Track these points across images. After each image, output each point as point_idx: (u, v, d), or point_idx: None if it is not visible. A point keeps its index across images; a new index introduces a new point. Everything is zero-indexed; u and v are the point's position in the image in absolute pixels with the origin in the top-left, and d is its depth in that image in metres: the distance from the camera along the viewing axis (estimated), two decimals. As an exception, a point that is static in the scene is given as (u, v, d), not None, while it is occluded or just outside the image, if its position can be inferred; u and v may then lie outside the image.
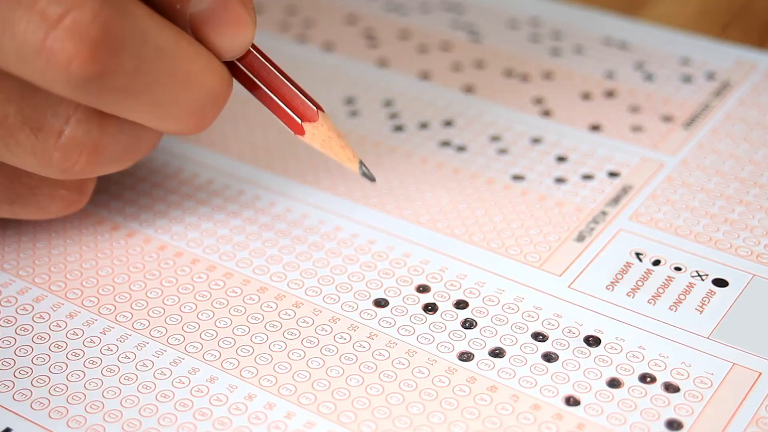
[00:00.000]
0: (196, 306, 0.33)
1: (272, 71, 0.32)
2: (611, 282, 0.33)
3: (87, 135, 0.30)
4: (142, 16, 0.28)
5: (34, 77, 0.27)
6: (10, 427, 0.29)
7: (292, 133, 0.32)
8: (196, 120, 0.30)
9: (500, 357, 0.31)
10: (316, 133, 0.32)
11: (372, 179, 0.33)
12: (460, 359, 0.31)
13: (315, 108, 0.32)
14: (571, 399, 0.30)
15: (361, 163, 0.33)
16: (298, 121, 0.32)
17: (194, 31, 0.30)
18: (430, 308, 0.32)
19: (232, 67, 0.32)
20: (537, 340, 0.31)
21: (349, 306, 0.32)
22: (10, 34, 0.26)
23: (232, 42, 0.30)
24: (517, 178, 0.38)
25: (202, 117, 0.30)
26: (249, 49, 0.32)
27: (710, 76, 0.43)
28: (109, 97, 0.28)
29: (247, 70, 0.32)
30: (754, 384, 0.30)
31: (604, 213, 0.36)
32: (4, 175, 0.32)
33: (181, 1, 0.29)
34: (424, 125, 0.40)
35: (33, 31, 0.26)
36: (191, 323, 0.32)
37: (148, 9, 0.28)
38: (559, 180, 0.37)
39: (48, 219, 0.34)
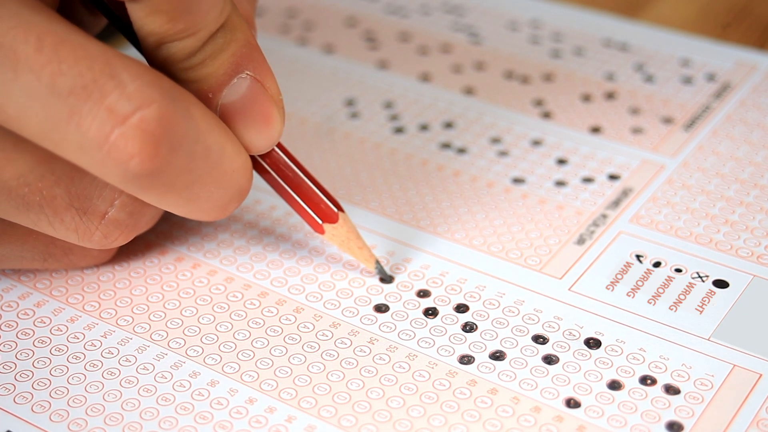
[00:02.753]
0: (197, 310, 0.33)
1: (295, 170, 0.32)
2: (611, 282, 0.33)
3: (129, 217, 0.31)
4: (198, 115, 0.28)
5: (92, 168, 0.27)
6: (11, 430, 0.29)
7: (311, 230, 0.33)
8: (220, 213, 0.30)
9: (501, 360, 0.31)
10: (335, 234, 0.33)
11: (389, 281, 0.33)
12: (461, 362, 0.31)
13: (336, 209, 0.32)
14: (572, 401, 0.30)
15: (378, 263, 0.33)
16: (319, 222, 0.32)
17: (223, 121, 0.30)
18: (430, 312, 0.32)
19: (254, 162, 0.32)
20: (537, 343, 0.31)
21: (350, 312, 0.33)
22: (76, 125, 0.26)
23: (258, 137, 0.30)
24: (518, 181, 0.38)
25: (226, 210, 0.30)
26: (274, 147, 0.32)
27: (710, 77, 0.43)
28: (154, 191, 0.28)
29: (271, 169, 0.32)
30: (754, 385, 0.30)
31: (604, 216, 0.36)
32: (40, 240, 0.32)
33: (213, 90, 0.30)
34: (424, 127, 0.40)
35: (99, 125, 0.26)
36: (192, 327, 0.32)
37: (203, 107, 0.29)
38: (560, 183, 0.37)
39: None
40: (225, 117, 0.30)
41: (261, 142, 0.31)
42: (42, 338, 0.32)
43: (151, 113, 0.27)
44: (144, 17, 0.28)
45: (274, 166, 0.32)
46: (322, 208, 0.32)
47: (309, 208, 0.32)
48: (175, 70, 0.29)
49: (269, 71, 0.30)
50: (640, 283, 0.33)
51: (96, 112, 0.26)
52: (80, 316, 0.33)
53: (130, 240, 0.32)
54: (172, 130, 0.27)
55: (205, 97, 0.30)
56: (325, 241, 0.35)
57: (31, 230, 0.32)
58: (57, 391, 0.30)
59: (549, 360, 0.31)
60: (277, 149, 0.32)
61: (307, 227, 0.35)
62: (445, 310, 0.32)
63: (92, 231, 0.31)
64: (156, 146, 0.27)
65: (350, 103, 0.42)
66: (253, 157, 0.31)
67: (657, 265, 0.34)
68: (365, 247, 0.33)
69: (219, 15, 0.29)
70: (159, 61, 0.29)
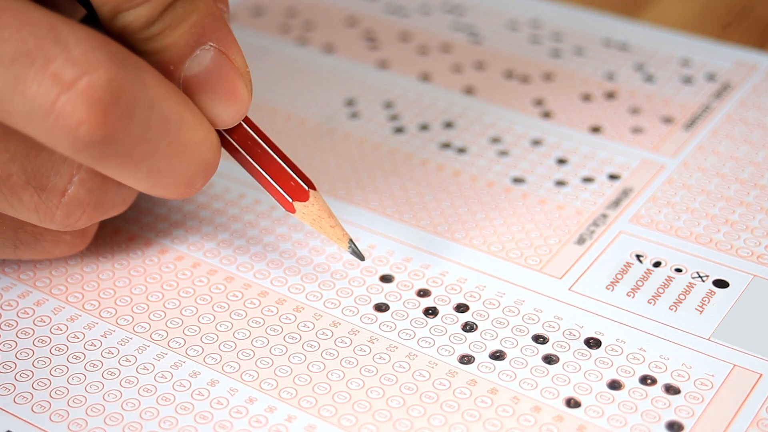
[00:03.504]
0: (197, 310, 0.33)
1: (264, 147, 0.31)
2: (611, 282, 0.33)
3: (89, 194, 0.30)
4: (153, 83, 0.28)
5: (41, 137, 0.27)
6: (11, 430, 0.29)
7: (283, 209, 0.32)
8: (185, 189, 0.29)
9: (501, 359, 0.31)
10: (306, 212, 0.32)
11: (361, 259, 0.33)
12: (461, 362, 0.31)
13: (306, 187, 0.32)
14: (572, 401, 0.30)
15: (351, 242, 0.32)
16: (289, 199, 0.32)
17: (187, 95, 0.29)
18: (430, 312, 0.32)
19: (222, 138, 0.31)
20: (537, 343, 0.31)
21: (350, 311, 0.33)
22: (21, 93, 0.26)
23: (224, 111, 0.30)
24: (518, 180, 0.38)
25: (192, 187, 0.30)
26: (241, 123, 0.31)
27: (710, 77, 0.43)
28: (110, 162, 0.28)
29: (239, 145, 0.31)
30: (754, 385, 0.30)
31: (604, 216, 0.36)
32: (8, 225, 0.32)
33: (174, 62, 0.29)
34: (424, 127, 0.40)
35: (45, 92, 0.26)
36: (192, 326, 0.32)
37: (158, 75, 0.28)
38: (560, 183, 0.37)
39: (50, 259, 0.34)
40: (188, 90, 0.29)
41: (227, 116, 0.30)
42: (42, 337, 0.32)
43: (98, 78, 0.26)
44: None
45: (242, 143, 0.31)
46: (292, 185, 0.31)
47: (278, 185, 0.31)
48: (134, 42, 0.28)
49: (234, 43, 0.30)
50: (640, 283, 0.33)
51: (41, 78, 0.26)
52: (80, 315, 0.33)
53: (96, 221, 0.31)
54: (123, 95, 0.27)
55: (167, 70, 0.29)
56: (325, 241, 0.35)
57: None
58: (57, 391, 0.30)
59: (549, 360, 0.31)
60: (245, 125, 0.31)
61: (306, 226, 0.35)
62: (445, 309, 0.32)
63: (53, 210, 0.30)
64: (105, 112, 0.26)
65: (350, 103, 0.42)
66: (220, 134, 0.31)
67: (657, 265, 0.34)
68: (338, 225, 0.32)
69: None
70: (117, 33, 0.28)
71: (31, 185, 0.29)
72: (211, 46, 0.29)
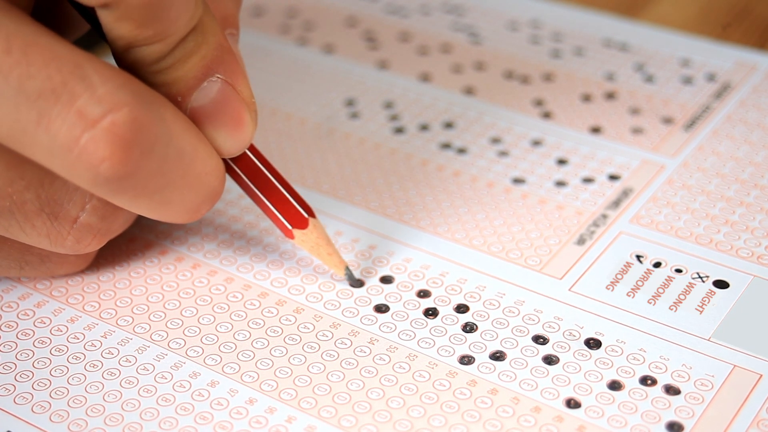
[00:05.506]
0: (197, 310, 0.33)
1: (266, 175, 0.32)
2: (611, 282, 0.33)
3: (101, 221, 0.31)
4: (171, 118, 0.28)
5: (62, 171, 0.27)
6: (11, 430, 0.29)
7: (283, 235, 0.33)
8: (191, 216, 0.30)
9: (501, 360, 0.31)
10: (305, 240, 0.32)
11: (358, 286, 0.33)
12: (461, 363, 0.31)
13: (306, 215, 0.32)
14: (572, 401, 0.30)
15: (347, 269, 0.33)
16: (289, 227, 0.32)
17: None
18: (430, 313, 0.32)
19: (226, 165, 0.31)
20: (538, 343, 0.31)
21: (350, 312, 0.33)
22: (45, 129, 0.26)
23: (230, 141, 0.30)
24: (518, 181, 0.38)
25: (197, 213, 0.30)
26: (245, 151, 0.31)
27: (710, 77, 0.43)
28: (126, 195, 0.28)
29: (243, 172, 0.32)
30: (755, 386, 0.30)
31: (604, 216, 0.36)
32: (16, 248, 0.32)
33: (182, 94, 0.29)
34: (424, 127, 0.40)
35: (69, 128, 0.26)
36: (192, 327, 0.32)
37: (175, 110, 0.28)
38: (560, 183, 0.37)
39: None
40: (195, 120, 0.30)
41: (232, 146, 0.30)
42: (42, 339, 0.32)
43: (122, 116, 0.27)
44: (113, 22, 0.28)
45: (245, 170, 0.32)
46: (292, 213, 0.32)
47: (279, 213, 0.32)
48: (144, 73, 0.29)
49: (241, 73, 0.30)
50: (640, 283, 0.33)
51: (65, 115, 0.26)
52: (80, 317, 0.33)
53: (103, 244, 0.32)
54: (144, 133, 0.27)
55: (175, 101, 0.29)
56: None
57: (4, 237, 0.31)
58: (57, 392, 0.30)
59: (549, 360, 0.31)
60: (248, 152, 0.32)
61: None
62: (446, 310, 0.32)
63: (64, 236, 0.30)
64: (127, 150, 0.27)
65: (350, 103, 0.42)
66: (224, 160, 0.31)
67: (657, 265, 0.34)
68: (335, 253, 0.33)
69: (189, 20, 0.28)
70: (128, 64, 0.29)
71: (45, 212, 0.30)
72: (218, 77, 0.30)
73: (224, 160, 0.31)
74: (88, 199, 0.30)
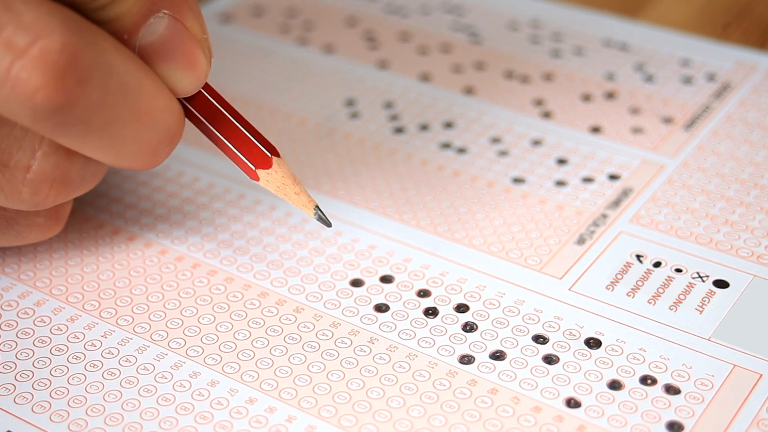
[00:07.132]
0: (197, 310, 0.33)
1: (226, 115, 0.31)
2: (611, 282, 0.33)
3: (55, 168, 0.29)
4: (109, 49, 0.27)
5: None
6: (11, 430, 0.29)
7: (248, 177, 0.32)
8: (149, 158, 0.29)
9: (501, 360, 0.31)
10: (270, 180, 0.32)
11: (328, 225, 0.32)
12: (461, 362, 0.31)
13: (269, 154, 0.31)
14: (572, 401, 0.30)
15: (317, 208, 0.32)
16: (252, 167, 0.31)
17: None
18: (430, 312, 0.32)
19: (184, 108, 0.31)
20: (538, 343, 0.31)
21: (350, 311, 0.33)
22: None
23: (183, 79, 0.29)
24: (518, 180, 0.38)
25: (156, 156, 0.29)
26: (201, 91, 0.31)
27: (710, 77, 0.43)
28: (71, 131, 0.27)
29: (200, 113, 0.31)
30: (754, 386, 0.30)
31: (604, 216, 0.36)
32: None
33: (128, 31, 0.29)
34: (424, 127, 0.40)
35: None
36: (192, 327, 0.32)
37: (115, 42, 0.28)
38: (560, 183, 0.37)
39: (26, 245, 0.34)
40: (145, 59, 0.29)
41: (186, 84, 0.29)
42: (42, 338, 0.32)
43: (51, 42, 0.26)
44: None
45: (202, 111, 0.31)
46: (255, 153, 0.31)
47: (241, 153, 0.31)
48: (86, 12, 0.28)
49: (189, 9, 0.29)
50: (640, 283, 0.33)
51: None
52: (80, 316, 0.33)
53: (67, 198, 0.30)
54: (78, 60, 0.26)
55: (121, 39, 0.28)
56: (325, 241, 0.35)
57: None
58: (57, 392, 0.30)
59: (549, 360, 0.31)
60: (205, 93, 0.31)
61: (305, 221, 0.35)
62: (446, 309, 0.32)
63: (19, 188, 0.29)
64: (60, 78, 0.26)
65: (350, 103, 0.42)
66: (181, 102, 0.30)
67: (657, 265, 0.34)
68: (303, 192, 0.32)
69: None
70: (68, 3, 0.28)
71: None
72: (165, 13, 0.29)
73: (181, 101, 0.30)
74: (39, 145, 0.29)
